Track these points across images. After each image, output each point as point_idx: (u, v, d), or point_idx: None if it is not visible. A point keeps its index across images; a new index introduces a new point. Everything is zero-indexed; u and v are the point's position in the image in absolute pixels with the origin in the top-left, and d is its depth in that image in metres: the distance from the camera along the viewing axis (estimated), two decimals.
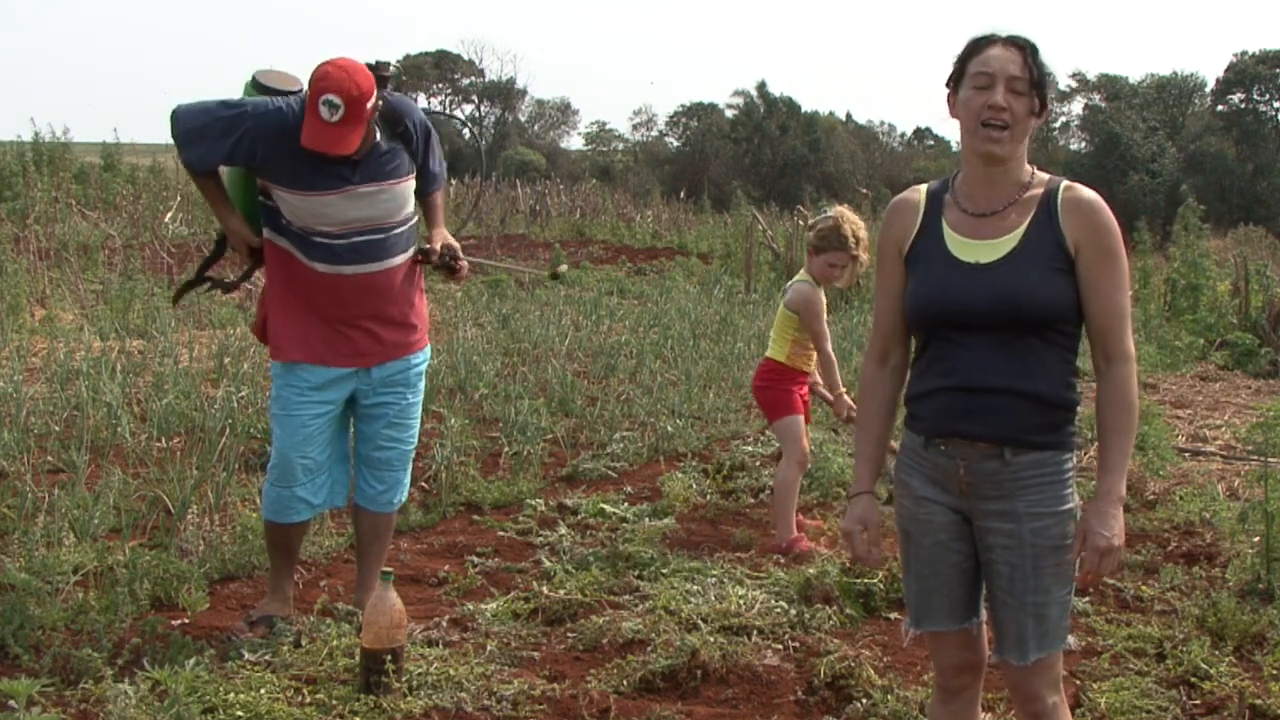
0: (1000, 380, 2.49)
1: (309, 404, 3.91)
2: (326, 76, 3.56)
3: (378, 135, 3.77)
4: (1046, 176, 2.58)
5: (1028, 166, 2.57)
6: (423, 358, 4.12)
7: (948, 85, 2.57)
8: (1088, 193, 2.53)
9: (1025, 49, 2.50)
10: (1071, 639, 2.71)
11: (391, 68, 4.02)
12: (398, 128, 3.83)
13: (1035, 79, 2.48)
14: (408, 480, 4.21)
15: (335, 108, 3.54)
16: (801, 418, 5.34)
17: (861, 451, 2.74)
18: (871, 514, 2.68)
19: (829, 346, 5.28)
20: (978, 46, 2.53)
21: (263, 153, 3.71)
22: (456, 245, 4.05)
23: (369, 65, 3.96)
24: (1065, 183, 2.55)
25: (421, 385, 4.14)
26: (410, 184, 3.93)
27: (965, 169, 2.60)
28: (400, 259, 3.93)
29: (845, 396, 5.29)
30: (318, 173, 3.71)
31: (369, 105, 3.60)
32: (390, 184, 3.83)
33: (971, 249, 2.53)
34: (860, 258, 5.20)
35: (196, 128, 3.75)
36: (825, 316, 5.27)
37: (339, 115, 3.55)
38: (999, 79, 2.47)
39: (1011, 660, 2.57)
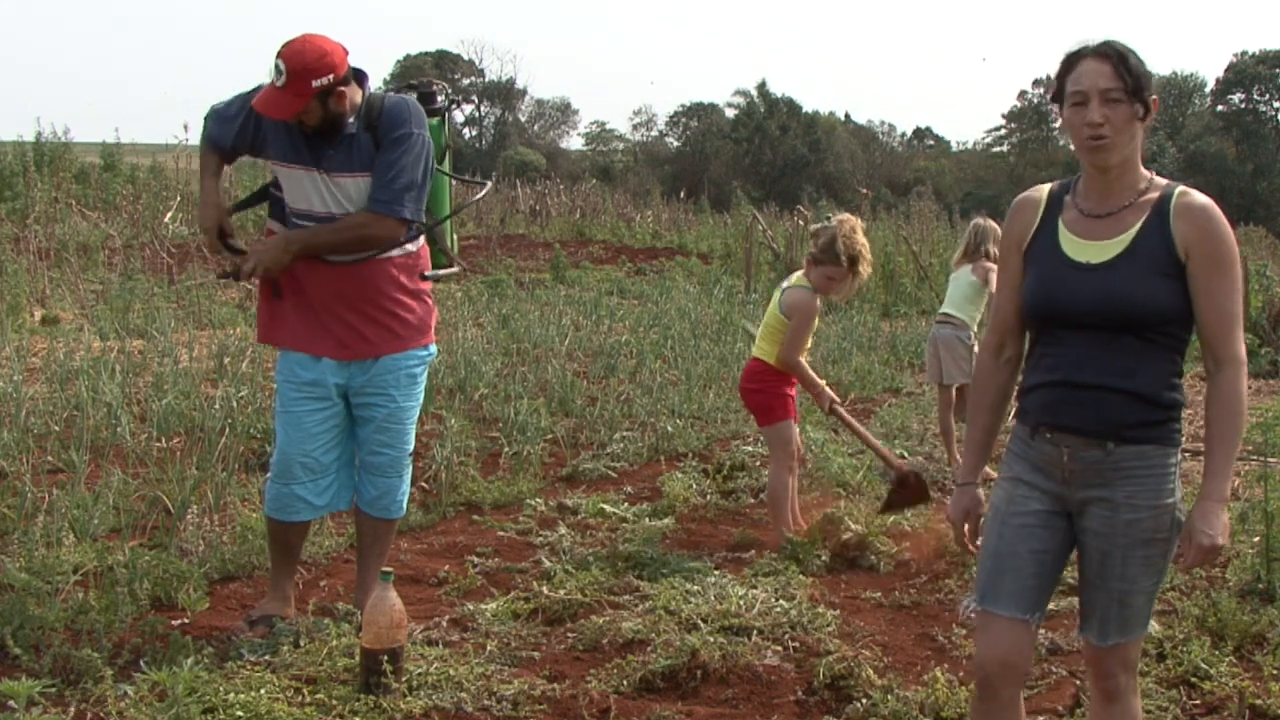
0: (1100, 378, 2.57)
1: (303, 399, 3.92)
2: (289, 43, 3.68)
3: (350, 120, 3.77)
4: (1164, 181, 2.62)
5: (1144, 171, 2.62)
6: (414, 360, 4.04)
7: (1054, 101, 2.65)
8: (1201, 199, 2.56)
9: (1112, 58, 2.53)
10: (1154, 624, 2.82)
11: (436, 88, 4.09)
12: (374, 120, 3.82)
13: (1130, 86, 2.51)
14: (405, 486, 4.16)
15: (280, 73, 3.64)
16: (791, 421, 5.32)
17: (971, 440, 2.87)
18: (975, 505, 2.81)
19: (799, 357, 5.14)
20: (1070, 63, 2.59)
21: (268, 124, 3.81)
22: (255, 256, 3.78)
23: (416, 83, 4.09)
24: (1180, 188, 2.59)
25: (416, 390, 4.07)
26: None
27: (1083, 176, 2.66)
28: (383, 254, 3.88)
29: (826, 389, 5.25)
30: (296, 146, 3.80)
31: (315, 84, 3.63)
32: (355, 176, 3.81)
33: (1083, 249, 2.60)
34: (860, 273, 5.06)
35: (221, 109, 3.95)
36: (812, 328, 5.19)
37: (281, 81, 3.64)
38: (1092, 94, 2.53)
39: (1091, 639, 2.68)
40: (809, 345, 5.31)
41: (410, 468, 4.16)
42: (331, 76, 3.65)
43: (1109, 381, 2.56)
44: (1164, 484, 2.59)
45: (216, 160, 4.01)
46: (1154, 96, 2.56)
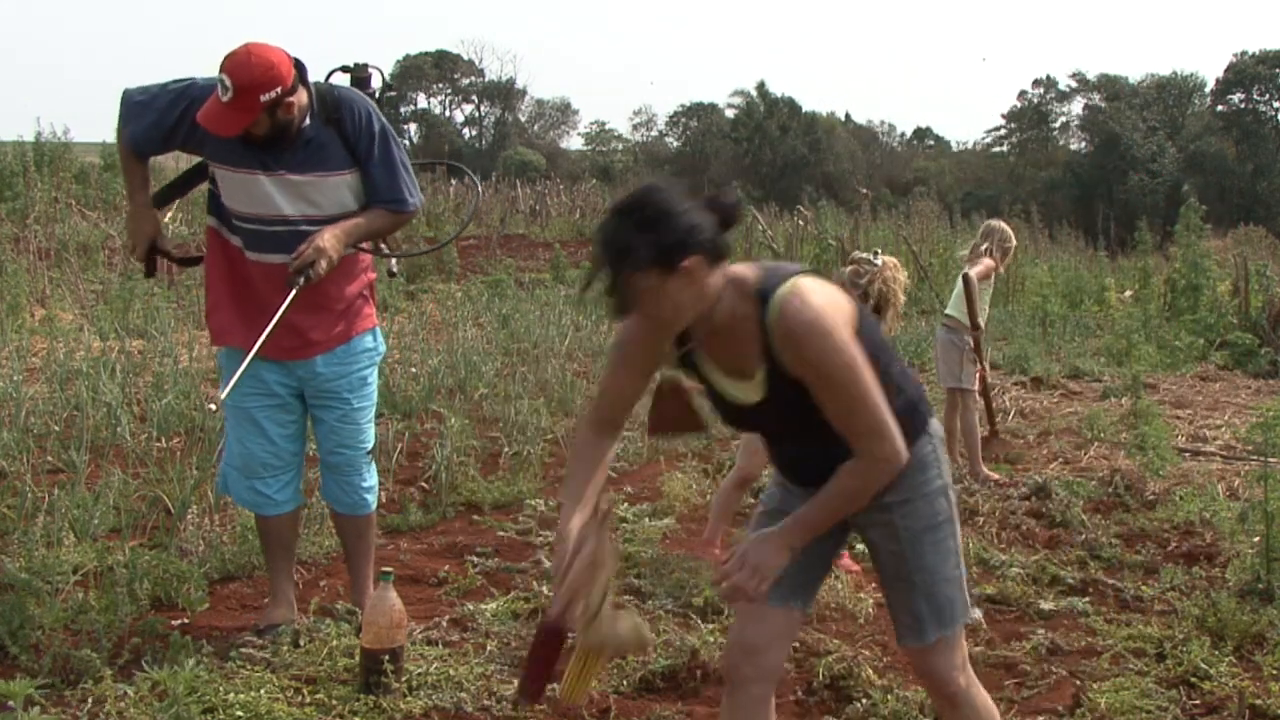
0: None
1: (254, 394, 3.86)
2: (232, 56, 3.52)
3: (306, 122, 3.66)
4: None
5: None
6: (364, 363, 3.95)
7: None
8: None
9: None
10: (976, 611, 2.78)
11: (371, 71, 3.95)
12: (333, 114, 3.71)
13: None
14: (369, 483, 4.06)
15: (226, 89, 3.49)
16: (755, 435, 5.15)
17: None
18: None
19: None
20: None
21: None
22: (322, 253, 3.65)
23: (348, 66, 3.95)
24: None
25: (368, 390, 3.99)
26: (344, 179, 3.75)
27: None
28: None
29: None
30: (243, 151, 3.66)
31: (263, 99, 3.50)
32: (318, 175, 3.70)
33: None
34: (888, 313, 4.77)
35: (144, 100, 3.73)
36: None
37: (229, 97, 3.49)
38: None
39: (911, 643, 2.66)
40: None
41: (372, 464, 4.07)
42: (279, 89, 3.52)
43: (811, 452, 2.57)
44: (924, 472, 2.60)
45: (142, 171, 3.84)
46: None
